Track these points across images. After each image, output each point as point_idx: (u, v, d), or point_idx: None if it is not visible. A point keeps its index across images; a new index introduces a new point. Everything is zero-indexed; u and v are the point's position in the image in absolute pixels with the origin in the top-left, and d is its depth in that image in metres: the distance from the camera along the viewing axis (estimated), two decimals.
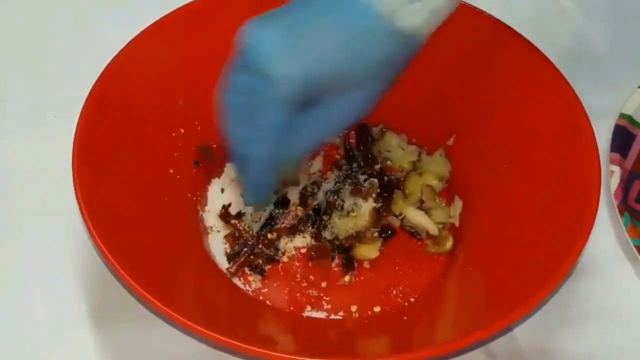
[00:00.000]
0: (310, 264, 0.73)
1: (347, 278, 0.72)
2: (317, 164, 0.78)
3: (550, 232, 0.68)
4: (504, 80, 0.75)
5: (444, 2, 0.61)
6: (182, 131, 0.76)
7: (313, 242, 0.74)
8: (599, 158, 0.70)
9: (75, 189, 0.66)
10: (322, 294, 0.72)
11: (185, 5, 0.78)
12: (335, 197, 0.75)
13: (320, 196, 0.75)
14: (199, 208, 0.75)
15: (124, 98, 0.74)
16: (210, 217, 0.75)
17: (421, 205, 0.75)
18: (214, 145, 0.77)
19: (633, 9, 0.90)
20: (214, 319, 0.67)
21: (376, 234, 0.74)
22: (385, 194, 0.76)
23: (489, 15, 0.76)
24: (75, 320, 0.70)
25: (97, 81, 0.72)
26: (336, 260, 0.73)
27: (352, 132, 0.78)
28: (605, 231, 0.74)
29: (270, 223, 0.74)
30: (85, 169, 0.68)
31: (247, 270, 0.72)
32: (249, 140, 0.62)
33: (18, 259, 0.73)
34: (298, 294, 0.72)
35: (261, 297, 0.71)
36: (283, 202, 0.75)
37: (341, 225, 0.74)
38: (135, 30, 0.76)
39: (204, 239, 0.74)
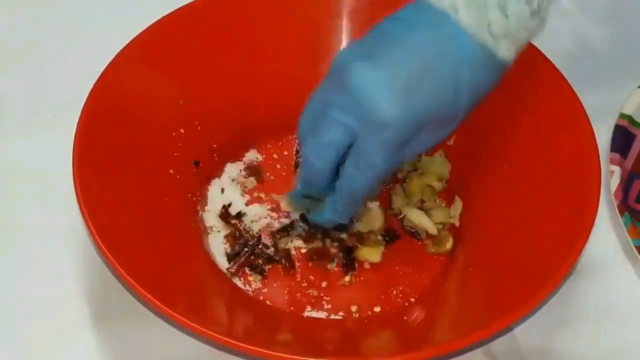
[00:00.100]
0: (310, 264, 0.73)
1: (347, 278, 0.72)
2: None
3: (551, 232, 0.68)
4: (503, 80, 0.75)
5: (530, 35, 0.61)
6: (182, 131, 0.76)
7: (314, 244, 0.74)
8: (599, 158, 0.70)
9: (76, 189, 0.66)
10: (322, 294, 0.72)
11: (185, 5, 0.78)
12: None
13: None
14: (199, 208, 0.75)
15: (124, 98, 0.74)
16: (210, 217, 0.75)
17: (421, 206, 0.75)
18: (214, 145, 0.77)
19: (633, 9, 0.90)
20: (214, 319, 0.67)
21: (380, 237, 0.74)
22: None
23: None
24: (76, 320, 0.70)
25: (97, 81, 0.72)
26: (336, 263, 0.73)
27: None
28: (605, 231, 0.74)
29: (287, 229, 0.74)
30: (85, 169, 0.68)
31: (247, 270, 0.72)
32: (355, 179, 0.62)
33: (18, 258, 0.73)
34: (298, 294, 0.72)
35: (261, 297, 0.71)
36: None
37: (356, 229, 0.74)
38: (136, 30, 0.76)
39: (204, 239, 0.74)
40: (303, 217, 0.73)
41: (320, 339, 0.69)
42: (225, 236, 0.74)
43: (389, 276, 0.73)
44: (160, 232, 0.70)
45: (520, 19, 0.60)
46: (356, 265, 0.73)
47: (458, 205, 0.75)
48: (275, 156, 0.79)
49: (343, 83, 0.59)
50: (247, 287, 0.72)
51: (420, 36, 0.59)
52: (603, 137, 0.76)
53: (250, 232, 0.74)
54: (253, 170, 0.78)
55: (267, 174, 0.78)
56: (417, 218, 0.74)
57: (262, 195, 0.77)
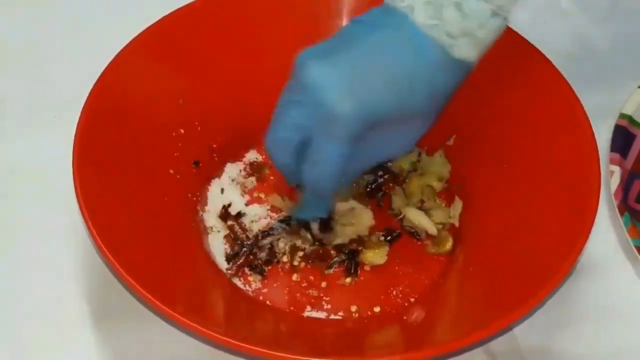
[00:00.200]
0: (308, 266, 0.73)
1: (347, 279, 0.72)
2: None
3: (551, 232, 0.68)
4: (503, 80, 0.75)
5: (492, 35, 0.61)
6: (182, 131, 0.76)
7: (315, 246, 0.74)
8: (598, 158, 0.70)
9: (76, 189, 0.67)
10: (322, 294, 0.72)
11: (185, 6, 0.78)
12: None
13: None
14: (199, 208, 0.75)
15: (124, 98, 0.74)
16: (210, 217, 0.75)
17: (421, 206, 0.75)
18: (214, 145, 0.77)
19: (633, 9, 0.90)
20: (214, 319, 0.67)
21: (382, 238, 0.74)
22: (380, 194, 0.76)
23: None
24: (76, 320, 0.70)
25: (97, 81, 0.72)
26: (335, 267, 0.73)
27: None
28: (605, 231, 0.74)
29: (268, 232, 0.74)
30: (85, 169, 0.68)
31: (247, 270, 0.72)
32: (312, 174, 0.63)
33: (18, 258, 0.73)
34: (298, 294, 0.72)
35: (261, 297, 0.71)
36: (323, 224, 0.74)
37: (344, 232, 0.74)
38: (136, 30, 0.76)
39: (204, 239, 0.74)
40: (284, 218, 0.74)
41: (320, 339, 0.69)
42: (225, 236, 0.74)
43: (388, 276, 0.73)
44: (160, 232, 0.70)
45: (479, 17, 0.60)
46: (358, 270, 0.73)
47: (458, 205, 0.75)
48: None
49: (299, 80, 0.60)
50: (247, 287, 0.72)
51: (377, 36, 0.61)
52: (603, 137, 0.76)
53: (247, 233, 0.74)
54: (254, 168, 0.78)
55: (267, 172, 0.78)
56: (417, 218, 0.74)
57: (262, 195, 0.77)
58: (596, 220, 0.66)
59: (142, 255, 0.67)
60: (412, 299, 0.71)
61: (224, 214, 0.75)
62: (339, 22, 0.80)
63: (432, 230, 0.74)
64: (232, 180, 0.77)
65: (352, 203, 0.75)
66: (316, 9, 0.80)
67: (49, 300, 0.71)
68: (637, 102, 0.79)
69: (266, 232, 0.74)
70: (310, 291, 0.72)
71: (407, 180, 0.77)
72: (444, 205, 0.76)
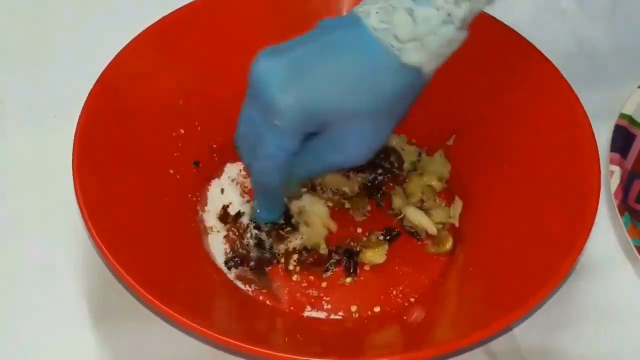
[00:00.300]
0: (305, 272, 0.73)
1: (347, 279, 0.72)
2: None
3: (550, 232, 0.68)
4: (503, 80, 0.75)
5: (444, 42, 0.61)
6: (182, 131, 0.76)
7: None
8: (598, 158, 0.70)
9: (75, 189, 0.67)
10: (322, 294, 0.72)
11: (185, 6, 0.78)
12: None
13: None
14: (198, 208, 0.75)
15: (124, 98, 0.74)
16: (210, 217, 0.75)
17: (421, 206, 0.75)
18: (214, 145, 0.77)
19: (633, 9, 0.90)
20: (214, 319, 0.67)
21: (381, 237, 0.74)
22: (380, 194, 0.76)
23: (489, 15, 0.76)
24: (75, 320, 0.70)
25: (97, 81, 0.72)
26: (333, 269, 0.73)
27: None
28: (605, 231, 0.74)
29: (242, 235, 0.74)
30: (85, 169, 0.68)
31: (249, 274, 0.72)
32: (257, 168, 0.65)
33: (18, 259, 0.73)
34: (298, 294, 0.72)
35: (261, 297, 0.71)
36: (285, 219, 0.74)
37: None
38: (136, 30, 0.76)
39: (204, 239, 0.74)
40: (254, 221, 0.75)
41: (320, 339, 0.69)
42: (225, 236, 0.74)
43: (388, 276, 0.73)
44: (160, 232, 0.70)
45: (429, 24, 0.60)
46: (358, 270, 0.73)
47: (458, 205, 0.75)
48: None
49: (250, 77, 0.62)
50: (247, 287, 0.72)
51: (330, 37, 0.62)
52: (603, 137, 0.76)
53: (243, 237, 0.74)
54: None
55: None
56: (417, 218, 0.74)
57: None
58: (596, 220, 0.66)
59: (142, 255, 0.67)
60: (412, 299, 0.71)
61: (223, 216, 0.75)
62: None
63: (432, 230, 0.74)
64: (232, 180, 0.77)
65: (303, 198, 0.75)
66: (316, 9, 0.80)
67: (49, 300, 0.71)
68: (637, 102, 0.79)
69: (241, 237, 0.74)
70: (310, 291, 0.72)
71: (407, 180, 0.77)
72: (444, 205, 0.76)
